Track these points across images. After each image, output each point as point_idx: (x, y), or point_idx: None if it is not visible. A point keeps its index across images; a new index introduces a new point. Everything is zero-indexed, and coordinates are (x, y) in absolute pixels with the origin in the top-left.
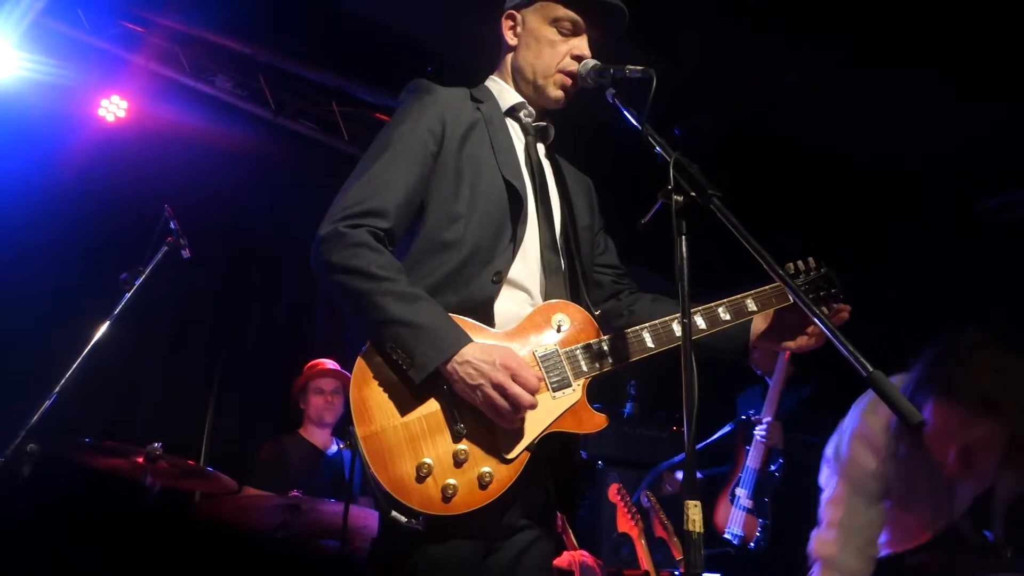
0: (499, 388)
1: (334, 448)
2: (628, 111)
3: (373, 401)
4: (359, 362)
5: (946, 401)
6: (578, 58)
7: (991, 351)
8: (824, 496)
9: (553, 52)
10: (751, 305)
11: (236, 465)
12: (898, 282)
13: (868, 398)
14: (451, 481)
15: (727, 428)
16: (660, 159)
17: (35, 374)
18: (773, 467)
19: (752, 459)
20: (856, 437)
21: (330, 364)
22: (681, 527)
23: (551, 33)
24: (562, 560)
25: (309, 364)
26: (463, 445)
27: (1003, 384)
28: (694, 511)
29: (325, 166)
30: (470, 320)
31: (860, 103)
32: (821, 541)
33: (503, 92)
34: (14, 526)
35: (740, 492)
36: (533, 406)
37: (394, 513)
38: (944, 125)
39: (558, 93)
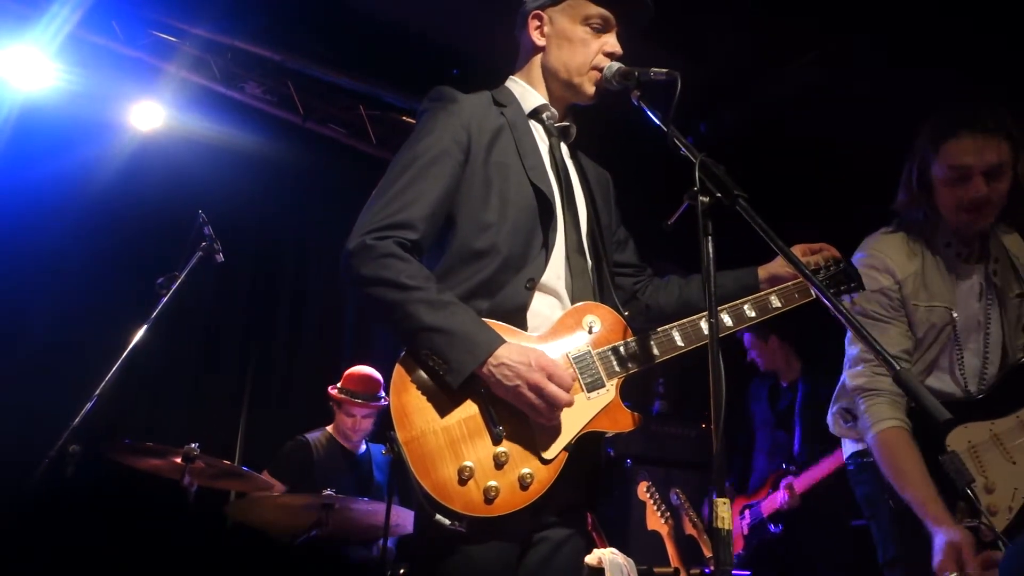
0: (535, 388)
1: (363, 448)
2: (653, 113)
3: (412, 406)
4: (397, 368)
5: (969, 131)
6: (611, 55)
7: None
8: (847, 339)
9: (586, 50)
10: (775, 301)
11: (268, 463)
12: None
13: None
14: (492, 483)
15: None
16: (686, 161)
17: (76, 378)
18: (774, 528)
19: (766, 505)
20: (868, 258)
21: (370, 373)
22: (710, 524)
23: (582, 32)
24: (592, 558)
25: (351, 376)
26: (503, 447)
27: (1014, 123)
28: (723, 509)
29: (353, 170)
30: (503, 324)
31: (885, 99)
32: (853, 376)
33: (525, 94)
34: (57, 523)
35: (737, 519)
36: (570, 404)
37: (438, 516)
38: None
39: (592, 89)
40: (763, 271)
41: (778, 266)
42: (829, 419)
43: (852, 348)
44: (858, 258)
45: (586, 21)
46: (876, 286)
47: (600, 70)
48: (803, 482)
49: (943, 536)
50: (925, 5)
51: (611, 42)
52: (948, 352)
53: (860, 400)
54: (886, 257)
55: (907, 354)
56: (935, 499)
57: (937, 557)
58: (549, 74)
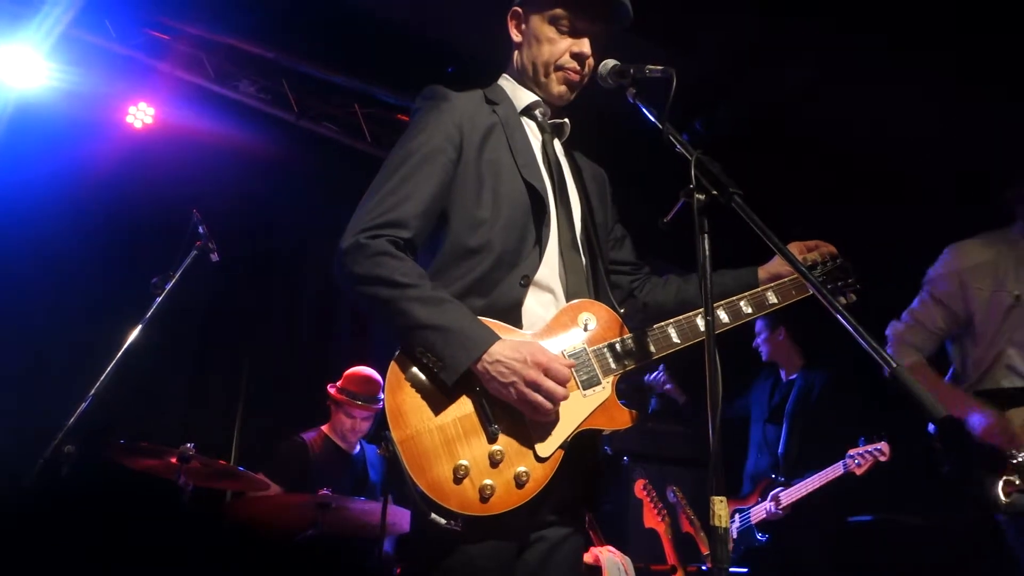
0: (532, 384)
1: (358, 448)
2: (649, 110)
3: (408, 405)
4: (392, 367)
5: None
6: (578, 56)
7: None
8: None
9: (552, 49)
10: (772, 298)
11: (265, 464)
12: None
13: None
14: (488, 482)
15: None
16: (682, 158)
17: (70, 378)
18: (762, 536)
19: (755, 513)
20: (948, 249)
21: (371, 374)
22: (707, 522)
23: (550, 31)
24: (589, 556)
25: (351, 376)
26: (498, 446)
27: None
28: (720, 506)
29: (348, 168)
30: (498, 322)
31: (878, 97)
32: (894, 325)
33: (517, 91)
34: (53, 525)
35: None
36: (565, 399)
37: (433, 515)
38: (963, 121)
39: (560, 88)
40: (763, 271)
41: (778, 265)
42: None
43: (907, 311)
44: (945, 250)
45: (554, 21)
46: (945, 270)
47: (569, 70)
48: (790, 495)
49: (991, 414)
50: (923, 4)
51: (580, 44)
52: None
53: (892, 344)
54: (961, 247)
55: (940, 329)
56: (969, 396)
57: (988, 426)
58: (523, 71)
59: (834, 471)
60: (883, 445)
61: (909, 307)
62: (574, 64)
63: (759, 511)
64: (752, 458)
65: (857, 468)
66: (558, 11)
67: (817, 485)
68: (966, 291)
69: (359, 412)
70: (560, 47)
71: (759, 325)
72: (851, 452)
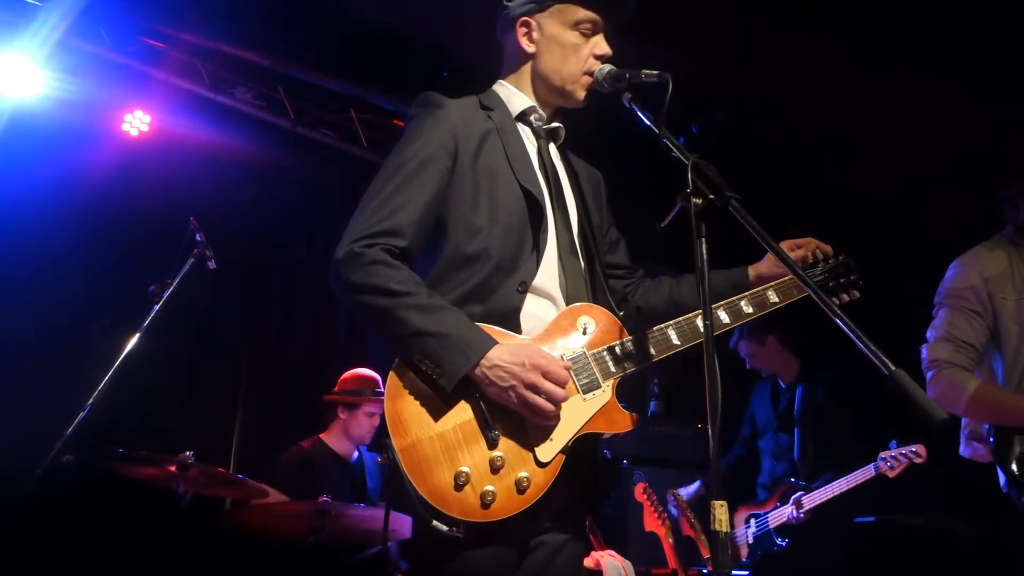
0: (532, 387)
1: (355, 455)
2: (645, 115)
3: (407, 413)
4: (391, 376)
5: None
6: (601, 57)
7: None
8: (931, 327)
9: (578, 56)
10: (773, 296)
11: (264, 472)
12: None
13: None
14: (489, 488)
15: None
16: (678, 163)
17: (68, 387)
18: (782, 541)
19: (774, 517)
20: (960, 262)
21: (370, 372)
22: (708, 526)
23: (574, 37)
24: (590, 560)
25: (357, 377)
26: (498, 452)
27: None
28: (721, 511)
29: (344, 173)
30: (497, 328)
31: (874, 97)
32: (934, 349)
33: (512, 97)
34: (52, 533)
35: (743, 527)
36: (565, 399)
37: (435, 522)
38: (962, 121)
39: (583, 94)
40: (753, 271)
41: (769, 265)
42: (963, 447)
43: (935, 331)
44: (953, 264)
45: (576, 26)
46: (967, 283)
47: (591, 73)
48: (813, 499)
49: None
50: (922, 4)
51: (600, 44)
52: None
53: (944, 370)
54: (976, 258)
55: (981, 345)
56: None
57: None
58: (539, 80)
59: (864, 474)
60: (919, 448)
61: (939, 328)
62: (599, 66)
63: (779, 515)
64: (767, 466)
65: (890, 471)
66: (580, 15)
67: (845, 488)
68: (993, 302)
69: (376, 407)
70: (585, 52)
71: (744, 350)
72: (883, 455)
